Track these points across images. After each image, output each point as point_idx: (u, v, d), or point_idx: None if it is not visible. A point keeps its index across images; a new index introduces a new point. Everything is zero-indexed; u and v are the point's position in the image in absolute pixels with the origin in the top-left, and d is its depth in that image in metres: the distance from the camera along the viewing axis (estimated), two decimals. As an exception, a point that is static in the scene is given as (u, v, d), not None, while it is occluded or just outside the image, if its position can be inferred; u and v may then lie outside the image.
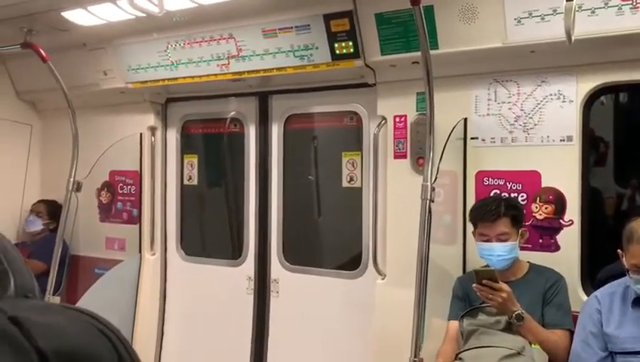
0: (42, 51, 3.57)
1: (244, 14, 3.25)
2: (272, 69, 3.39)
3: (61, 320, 0.40)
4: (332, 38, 3.12)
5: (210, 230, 4.46)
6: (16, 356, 0.34)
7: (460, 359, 2.54)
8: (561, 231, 2.79)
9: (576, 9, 2.16)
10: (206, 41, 3.49)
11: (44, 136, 4.72)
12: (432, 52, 2.52)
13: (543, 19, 2.58)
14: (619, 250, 2.30)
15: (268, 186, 3.89)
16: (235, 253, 4.08)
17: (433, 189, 2.59)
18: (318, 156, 3.93)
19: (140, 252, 4.16)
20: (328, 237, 3.96)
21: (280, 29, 3.23)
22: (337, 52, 3.15)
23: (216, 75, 3.59)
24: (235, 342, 3.96)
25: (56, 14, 3.40)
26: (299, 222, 3.97)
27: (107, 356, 0.41)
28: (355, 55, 3.11)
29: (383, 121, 3.26)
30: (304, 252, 3.94)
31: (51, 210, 4.41)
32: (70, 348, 0.37)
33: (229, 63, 3.50)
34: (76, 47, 3.89)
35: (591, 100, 2.77)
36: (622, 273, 2.35)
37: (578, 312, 2.51)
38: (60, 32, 3.65)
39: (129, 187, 4.25)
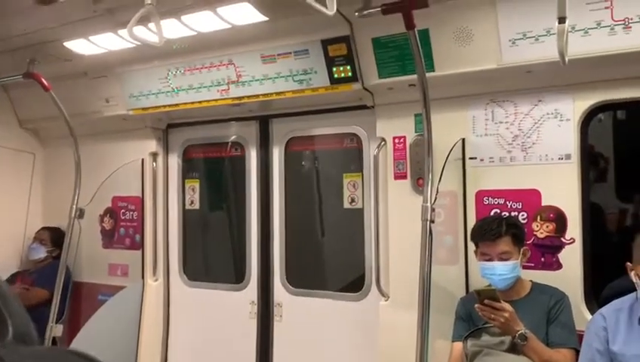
0: (44, 80, 3.61)
1: (243, 41, 3.29)
2: (272, 93, 3.42)
3: None
4: (330, 62, 3.16)
5: (212, 254, 4.46)
6: None
7: (465, 381, 2.52)
8: (563, 250, 2.78)
9: (569, 30, 2.18)
10: (206, 68, 3.53)
11: (46, 164, 4.75)
12: (428, 74, 2.55)
13: (537, 39, 2.61)
14: (628, 264, 2.27)
15: (270, 209, 3.90)
16: (237, 278, 4.07)
17: (433, 210, 2.59)
18: (319, 178, 3.95)
19: (143, 278, 4.16)
20: (331, 259, 3.95)
21: (279, 55, 3.28)
22: (336, 76, 3.18)
23: (216, 100, 3.62)
24: (239, 366, 3.93)
25: (58, 44, 3.46)
26: (301, 244, 3.97)
27: None
28: (354, 79, 3.15)
29: (383, 143, 3.28)
30: (307, 275, 3.93)
31: (54, 237, 4.42)
32: None
33: (228, 89, 3.54)
34: (78, 75, 3.95)
35: (588, 118, 2.79)
36: (627, 289, 2.32)
37: (583, 331, 2.49)
38: (62, 62, 3.70)
39: (131, 213, 4.27)
